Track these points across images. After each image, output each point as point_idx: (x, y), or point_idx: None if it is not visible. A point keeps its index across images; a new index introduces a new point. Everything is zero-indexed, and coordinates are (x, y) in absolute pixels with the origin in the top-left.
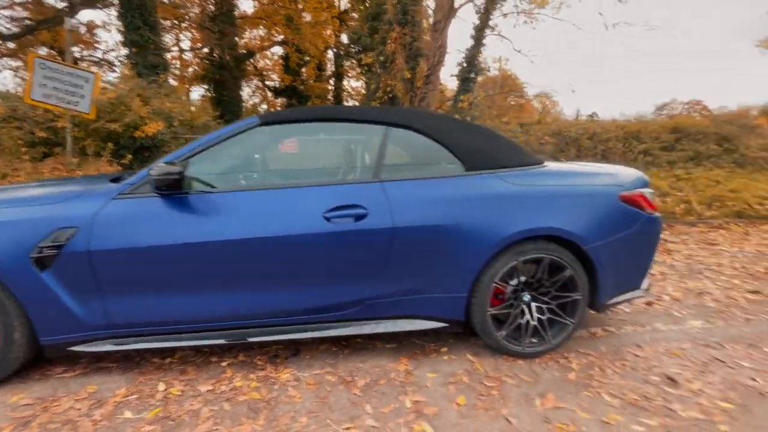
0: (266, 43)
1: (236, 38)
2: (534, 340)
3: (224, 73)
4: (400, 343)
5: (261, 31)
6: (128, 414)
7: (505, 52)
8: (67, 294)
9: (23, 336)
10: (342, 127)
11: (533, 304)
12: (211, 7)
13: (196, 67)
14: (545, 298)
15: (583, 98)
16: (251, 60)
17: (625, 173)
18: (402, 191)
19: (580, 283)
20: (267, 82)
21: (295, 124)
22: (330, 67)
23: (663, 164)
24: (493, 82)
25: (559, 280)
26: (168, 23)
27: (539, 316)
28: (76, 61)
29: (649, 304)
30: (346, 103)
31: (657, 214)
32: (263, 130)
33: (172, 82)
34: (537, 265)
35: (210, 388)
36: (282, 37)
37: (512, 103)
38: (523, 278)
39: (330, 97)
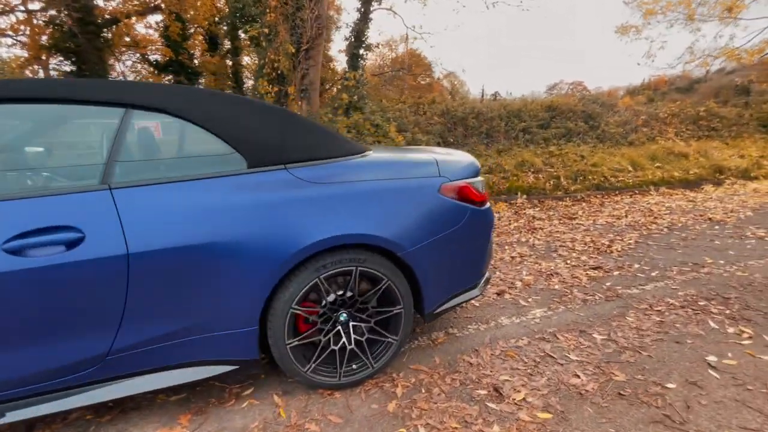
0: (136, 8)
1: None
2: (354, 366)
3: (82, 43)
4: (193, 390)
5: None
6: None
7: (403, 30)
8: None
9: None
10: (55, 111)
11: (351, 324)
12: None
13: (47, 36)
14: (363, 316)
15: (492, 79)
16: (115, 28)
17: (451, 161)
18: (143, 201)
19: (401, 294)
20: (151, 56)
21: None
22: (227, 41)
23: (540, 141)
24: (401, 62)
25: (377, 294)
26: None
27: (357, 337)
28: None
29: (500, 293)
30: (244, 81)
31: (487, 205)
32: None
33: (20, 52)
34: (350, 279)
35: None
36: (157, 2)
37: (422, 82)
38: (332, 297)
39: (230, 74)
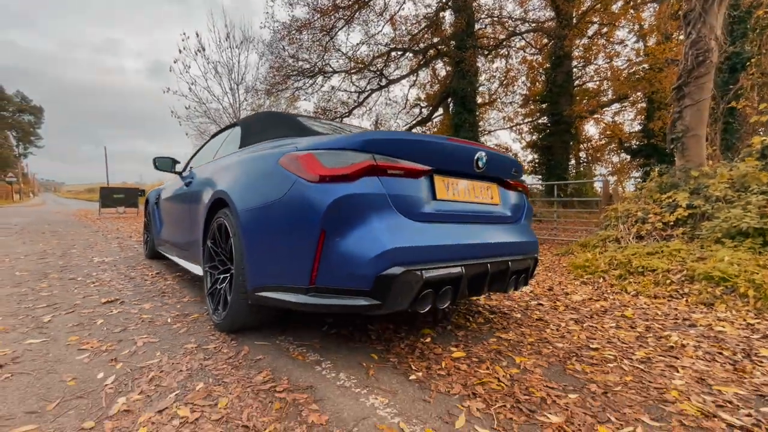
0: (601, 104)
1: (567, 106)
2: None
3: (553, 140)
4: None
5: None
6: None
7: None
8: None
9: None
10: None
11: None
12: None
13: (524, 138)
14: None
15: None
16: (582, 121)
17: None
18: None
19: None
20: (624, 143)
21: None
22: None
23: None
24: None
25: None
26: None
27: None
28: None
29: None
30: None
31: (330, 185)
32: None
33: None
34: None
35: None
36: (626, 92)
37: None
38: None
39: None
